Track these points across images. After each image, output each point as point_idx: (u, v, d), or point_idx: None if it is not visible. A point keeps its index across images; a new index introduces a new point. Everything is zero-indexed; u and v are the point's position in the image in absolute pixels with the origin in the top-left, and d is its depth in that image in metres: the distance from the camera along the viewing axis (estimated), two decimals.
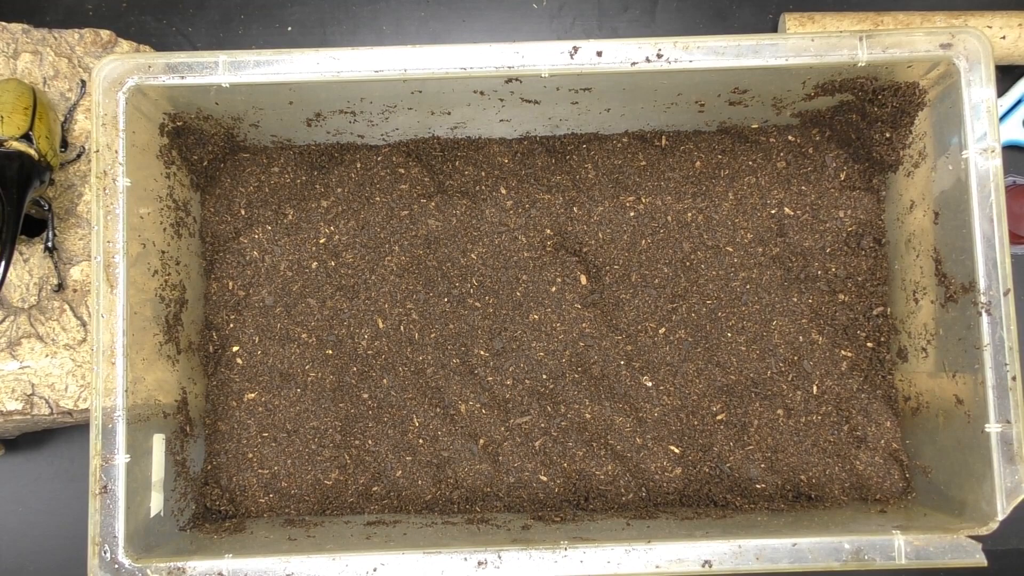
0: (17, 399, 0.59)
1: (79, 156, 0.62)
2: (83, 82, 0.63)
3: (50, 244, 0.60)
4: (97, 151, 0.54)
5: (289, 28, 0.73)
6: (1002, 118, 0.71)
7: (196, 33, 0.72)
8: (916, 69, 0.56)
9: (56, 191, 0.62)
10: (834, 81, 0.58)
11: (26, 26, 0.64)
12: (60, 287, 0.60)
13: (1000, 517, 0.52)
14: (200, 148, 0.61)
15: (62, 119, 0.62)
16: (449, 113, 0.61)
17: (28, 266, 0.61)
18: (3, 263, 0.54)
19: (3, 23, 0.63)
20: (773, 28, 0.72)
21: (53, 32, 0.64)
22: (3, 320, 0.60)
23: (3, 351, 0.59)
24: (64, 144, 0.62)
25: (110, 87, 0.54)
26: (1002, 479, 0.52)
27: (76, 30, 0.65)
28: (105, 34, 0.65)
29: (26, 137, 0.58)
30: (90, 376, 0.59)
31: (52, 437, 0.68)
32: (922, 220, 0.59)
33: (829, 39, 0.55)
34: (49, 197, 0.60)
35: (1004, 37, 0.67)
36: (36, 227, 0.63)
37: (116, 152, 0.54)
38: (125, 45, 0.66)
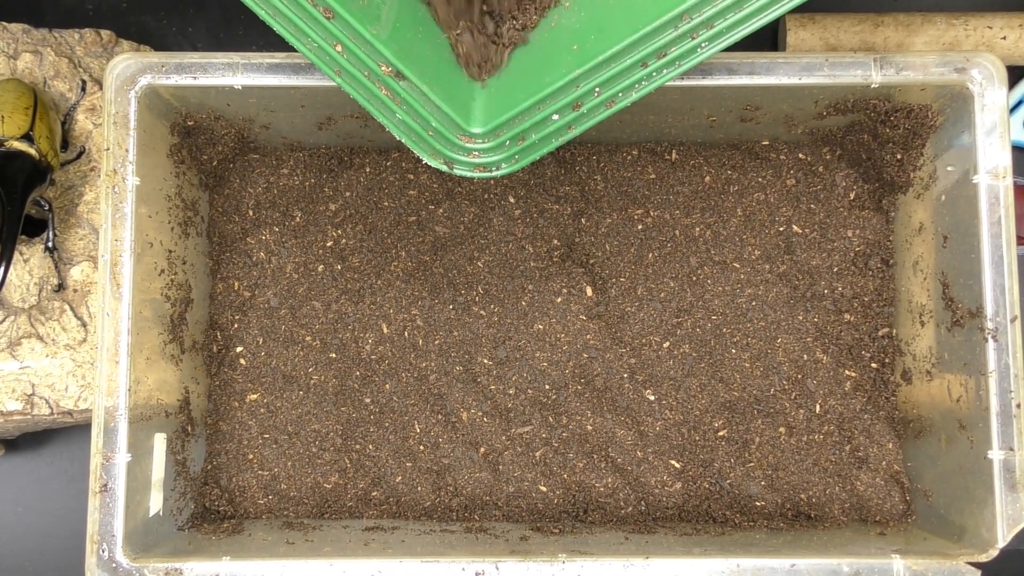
0: (17, 399, 0.59)
1: (79, 156, 0.62)
2: (83, 82, 0.62)
3: (50, 244, 0.59)
4: (107, 149, 0.54)
5: None
6: None
7: (196, 33, 0.72)
8: (929, 92, 0.56)
9: (56, 191, 0.62)
10: (847, 101, 0.57)
11: (26, 26, 0.64)
12: (60, 287, 0.60)
13: (1000, 545, 0.51)
14: (210, 148, 0.61)
15: (62, 119, 0.62)
16: None
17: (28, 266, 0.60)
18: (4, 263, 0.54)
19: (3, 23, 0.63)
20: (774, 28, 0.72)
21: (53, 32, 0.64)
22: (3, 320, 0.60)
23: (3, 351, 0.59)
24: (64, 144, 0.61)
25: (122, 86, 0.54)
26: (1003, 506, 0.52)
27: (76, 30, 0.64)
28: (105, 34, 0.65)
29: (27, 137, 0.58)
30: (90, 376, 0.59)
31: (52, 437, 0.68)
32: (931, 243, 0.59)
33: (843, 59, 0.55)
34: (49, 197, 0.60)
35: (1004, 38, 0.67)
36: (36, 227, 0.63)
37: (126, 151, 0.54)
38: (125, 45, 0.65)
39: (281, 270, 0.64)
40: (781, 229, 0.64)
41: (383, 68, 0.48)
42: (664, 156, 0.65)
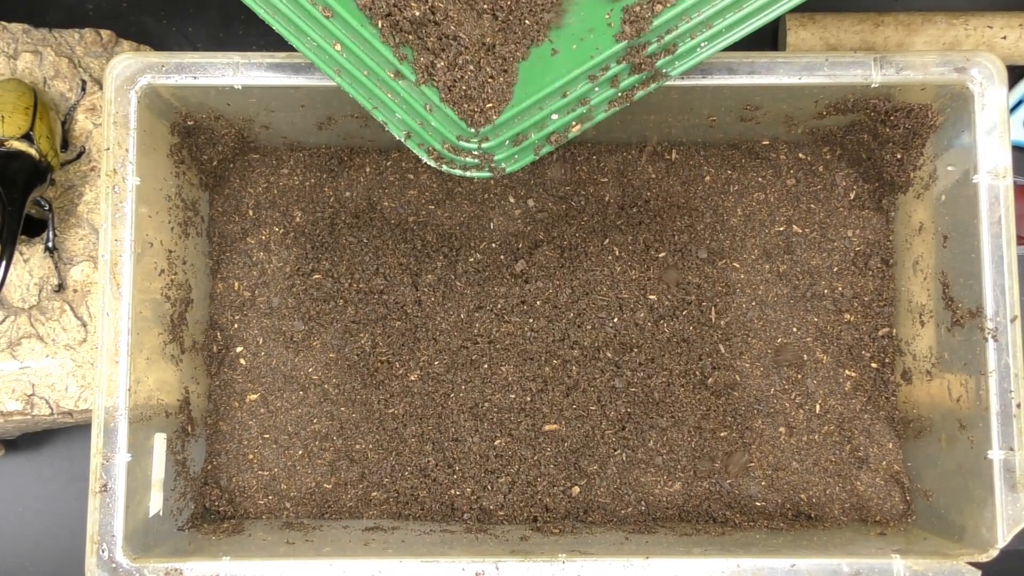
0: (17, 399, 0.59)
1: (79, 156, 0.62)
2: (84, 82, 0.62)
3: (50, 244, 0.59)
4: (107, 149, 0.54)
5: None
6: None
7: (196, 33, 0.72)
8: (929, 91, 0.56)
9: (56, 191, 0.61)
10: (847, 100, 0.57)
11: (26, 26, 0.63)
12: (60, 287, 0.60)
13: (1000, 545, 0.51)
14: (210, 148, 0.61)
15: (62, 119, 0.62)
16: None
17: (28, 266, 0.60)
18: (4, 263, 0.54)
19: (3, 23, 0.63)
20: (774, 28, 0.72)
21: (53, 32, 0.64)
22: (3, 320, 0.60)
23: (3, 351, 0.59)
24: (65, 144, 0.61)
25: (122, 85, 0.54)
26: (1003, 506, 0.52)
27: (76, 30, 0.64)
28: (105, 34, 0.65)
29: (27, 137, 0.57)
30: (90, 376, 0.59)
31: (52, 437, 0.68)
32: (931, 243, 0.59)
33: (843, 59, 0.55)
34: (49, 197, 0.60)
35: (1005, 37, 0.67)
36: (36, 227, 0.63)
37: (126, 151, 0.54)
38: (125, 45, 0.65)
39: (281, 270, 0.64)
40: (781, 229, 0.64)
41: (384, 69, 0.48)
42: (664, 156, 0.65)
